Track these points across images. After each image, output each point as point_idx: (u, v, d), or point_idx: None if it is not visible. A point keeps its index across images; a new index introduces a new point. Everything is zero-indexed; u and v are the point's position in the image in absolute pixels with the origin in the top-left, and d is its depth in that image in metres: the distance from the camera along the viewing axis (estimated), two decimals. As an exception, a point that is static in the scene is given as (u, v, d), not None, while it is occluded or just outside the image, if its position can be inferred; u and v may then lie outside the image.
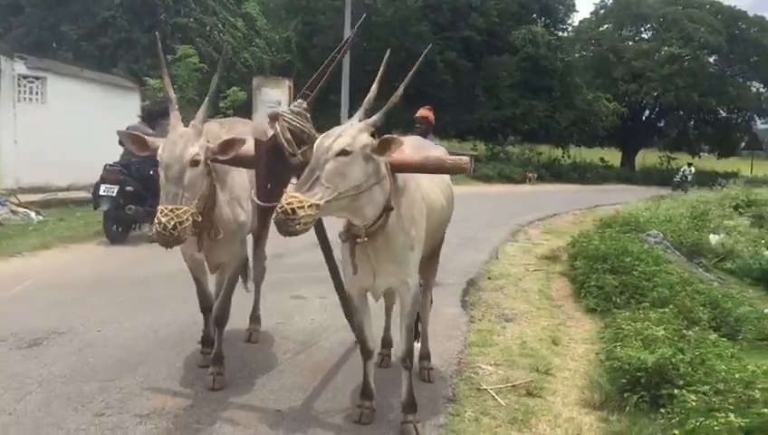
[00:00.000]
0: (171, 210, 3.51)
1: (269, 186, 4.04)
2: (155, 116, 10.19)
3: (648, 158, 47.66)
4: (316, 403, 4.39)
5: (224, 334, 5.01)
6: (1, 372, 4.52)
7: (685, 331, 5.73)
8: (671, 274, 8.91)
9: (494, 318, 7.10)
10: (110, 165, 9.92)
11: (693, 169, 33.22)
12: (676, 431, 3.67)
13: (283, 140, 3.88)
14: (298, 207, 3.20)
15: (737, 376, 4.59)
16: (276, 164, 3.97)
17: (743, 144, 47.07)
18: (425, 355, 5.06)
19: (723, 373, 4.62)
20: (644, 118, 46.79)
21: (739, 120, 48.23)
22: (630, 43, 45.91)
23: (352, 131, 3.48)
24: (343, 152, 3.37)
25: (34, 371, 4.57)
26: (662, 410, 4.37)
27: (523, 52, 34.29)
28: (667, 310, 6.89)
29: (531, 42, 34.44)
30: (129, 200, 9.67)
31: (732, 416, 3.45)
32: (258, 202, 4.00)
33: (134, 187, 9.70)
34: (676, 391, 4.40)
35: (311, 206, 3.24)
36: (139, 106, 15.03)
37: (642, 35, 47.11)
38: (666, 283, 8.23)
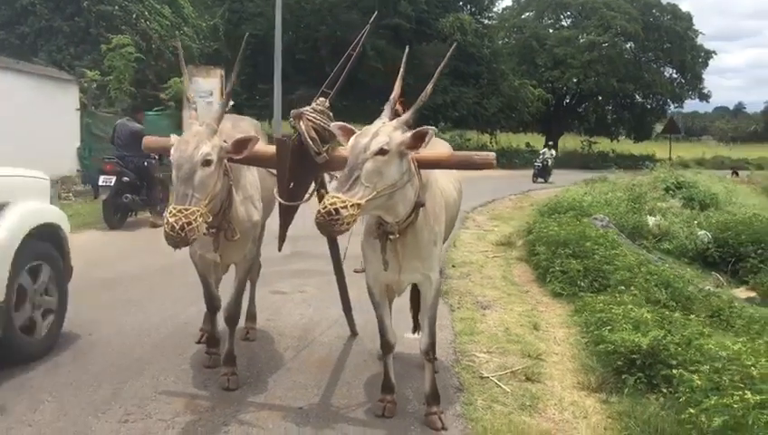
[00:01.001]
0: (180, 211, 3.46)
1: (291, 185, 4.03)
2: (138, 109, 10.93)
3: (568, 142, 49.12)
4: (333, 400, 4.42)
5: (220, 334, 5.05)
6: (4, 381, 4.35)
7: (668, 312, 6.03)
8: (627, 256, 9.33)
9: (470, 306, 7.25)
10: (107, 158, 10.98)
11: (554, 153, 30.50)
12: (691, 410, 3.86)
13: (309, 140, 3.88)
14: (341, 207, 3.23)
15: (724, 354, 4.88)
16: (300, 163, 3.97)
17: (660, 128, 49.09)
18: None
19: (714, 353, 4.90)
20: (565, 103, 48.20)
21: (654, 105, 50.28)
22: (551, 31, 47.18)
23: (388, 130, 3.51)
24: (381, 151, 3.41)
25: (39, 379, 4.43)
26: (663, 390, 4.61)
27: (452, 39, 34.65)
28: (637, 293, 7.23)
29: (459, 29, 34.93)
30: (126, 190, 10.61)
31: (748, 393, 3.68)
32: (282, 201, 3.97)
33: (130, 177, 10.62)
34: (674, 371, 4.63)
35: (353, 205, 3.27)
36: (78, 99, 14.56)
37: (562, 23, 48.48)
38: (625, 265, 8.60)
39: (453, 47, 4.42)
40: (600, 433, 4.24)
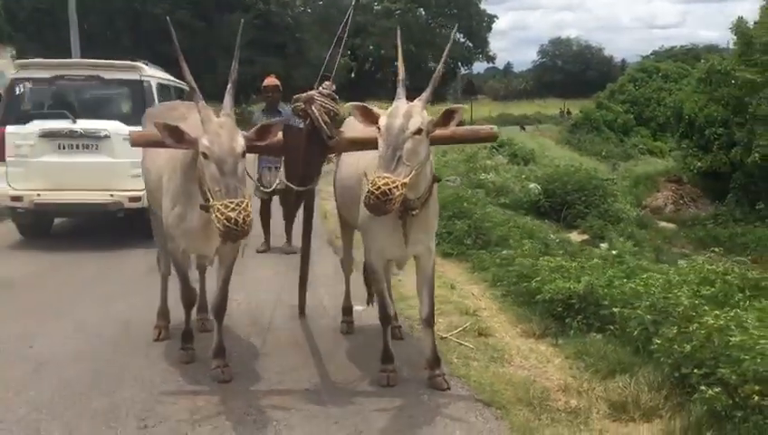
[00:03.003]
0: (238, 204, 3.40)
1: (301, 170, 4.03)
2: None
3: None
4: (332, 377, 4.50)
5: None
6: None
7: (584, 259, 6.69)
8: (496, 213, 10.10)
9: (381, 274, 7.51)
10: None
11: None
12: (657, 340, 4.42)
13: (323, 124, 3.91)
14: (393, 188, 3.37)
15: (641, 290, 5.58)
16: (311, 148, 3.98)
17: (452, 90, 51.96)
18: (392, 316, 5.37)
19: (633, 291, 5.57)
20: (365, 70, 49.35)
21: (446, 69, 52.96)
22: (345, -1, 47.99)
23: (418, 109, 3.67)
24: (418, 131, 3.57)
25: (14, 400, 4.06)
26: (609, 328, 5.17)
27: (255, 9, 34.18)
28: (528, 245, 7.91)
29: (261, -1, 34.49)
30: None
31: (710, 319, 4.29)
32: (294, 187, 3.97)
33: None
34: (614, 309, 5.22)
35: (402, 184, 3.43)
36: None
37: (356, -10, 49.42)
38: (499, 222, 9.33)
39: (453, 33, 4.49)
40: (572, 374, 4.70)
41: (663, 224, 18.33)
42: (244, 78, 34.32)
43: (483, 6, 51.76)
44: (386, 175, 3.41)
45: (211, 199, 3.52)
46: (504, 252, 7.52)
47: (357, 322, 5.60)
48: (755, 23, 21.23)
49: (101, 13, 29.98)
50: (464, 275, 7.66)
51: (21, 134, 8.28)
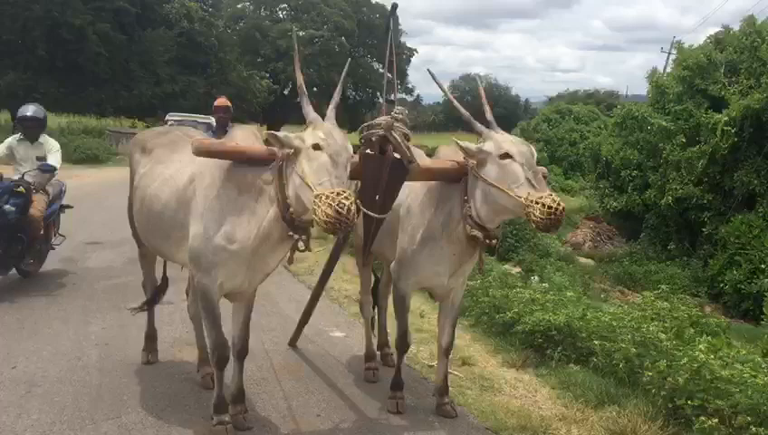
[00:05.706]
0: (351, 194, 3.20)
1: (378, 197, 3.95)
2: None
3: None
4: (340, 402, 4.53)
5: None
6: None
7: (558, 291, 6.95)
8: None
9: (346, 301, 7.57)
10: None
11: None
12: (648, 373, 4.67)
13: (405, 149, 3.91)
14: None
15: (614, 323, 5.88)
16: (395, 175, 3.94)
17: (370, 118, 52.39)
18: (385, 343, 5.42)
19: (607, 323, 5.85)
20: (284, 94, 49.16)
21: (364, 97, 53.51)
22: (267, 23, 47.80)
23: None
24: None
25: (16, 423, 3.88)
26: (593, 359, 5.40)
27: (179, 27, 33.61)
28: (491, 277, 8.13)
29: (186, 17, 33.90)
30: None
31: (700, 354, 4.58)
32: (374, 215, 3.90)
33: None
34: (595, 342, 5.47)
35: None
36: None
37: (279, 15, 49.36)
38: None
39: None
40: (562, 403, 4.88)
41: (583, 260, 19.11)
42: (165, 94, 33.50)
43: (403, 39, 52.55)
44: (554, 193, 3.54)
45: (314, 189, 3.24)
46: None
47: (338, 349, 5.63)
48: (668, 74, 22.67)
49: (17, 20, 28.76)
50: (427, 305, 7.74)
51: None
